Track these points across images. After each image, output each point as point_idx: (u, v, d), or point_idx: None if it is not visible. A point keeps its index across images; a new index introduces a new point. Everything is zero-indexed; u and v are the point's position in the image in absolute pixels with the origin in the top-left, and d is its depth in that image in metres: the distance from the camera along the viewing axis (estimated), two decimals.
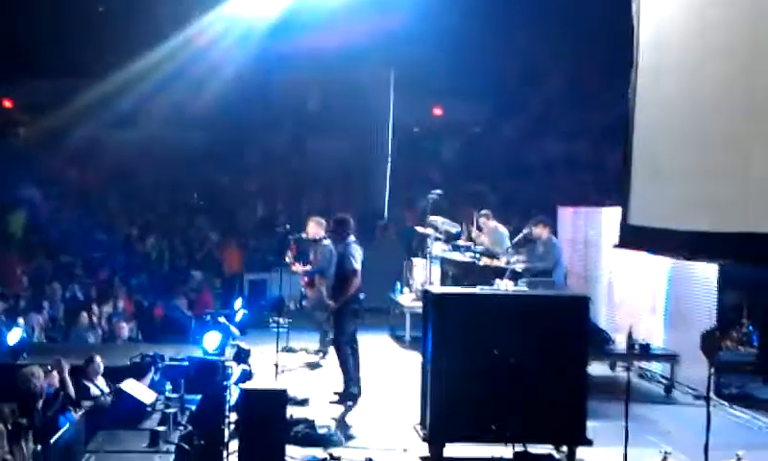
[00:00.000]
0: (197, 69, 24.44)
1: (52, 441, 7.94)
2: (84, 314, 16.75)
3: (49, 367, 10.43)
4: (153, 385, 10.72)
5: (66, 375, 10.51)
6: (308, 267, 16.39)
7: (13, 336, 12.68)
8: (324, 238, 15.66)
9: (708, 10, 10.33)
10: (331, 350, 14.86)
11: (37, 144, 25.36)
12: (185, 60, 23.91)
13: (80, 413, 9.66)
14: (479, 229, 18.11)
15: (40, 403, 9.68)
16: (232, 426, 10.73)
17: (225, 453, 10.32)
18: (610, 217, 16.03)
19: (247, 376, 12.17)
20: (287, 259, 16.72)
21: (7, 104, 29.95)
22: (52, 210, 24.18)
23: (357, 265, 13.61)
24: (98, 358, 11.19)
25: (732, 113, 9.76)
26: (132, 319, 17.48)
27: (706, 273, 14.21)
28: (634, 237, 12.12)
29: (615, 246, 13.51)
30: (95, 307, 17.41)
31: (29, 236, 23.00)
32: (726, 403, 13.67)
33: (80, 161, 26.66)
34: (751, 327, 15.81)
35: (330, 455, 10.47)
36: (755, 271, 13.91)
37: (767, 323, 15.09)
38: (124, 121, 26.07)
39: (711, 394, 10.59)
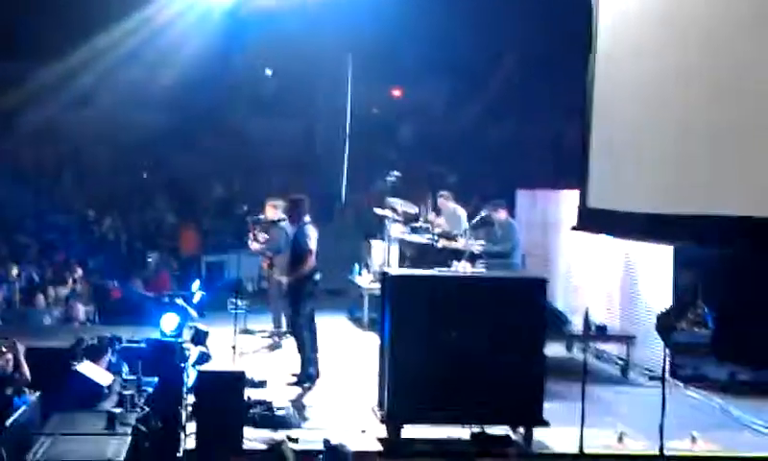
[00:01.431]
0: (154, 49, 24.24)
1: (7, 423, 7.89)
2: (41, 296, 16.63)
3: (3, 348, 10.33)
4: (110, 367, 10.67)
5: (21, 356, 10.41)
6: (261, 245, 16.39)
7: None
8: (282, 220, 15.62)
9: None
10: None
11: None
12: (143, 40, 23.70)
13: (35, 395, 9.60)
14: (437, 211, 18.13)
15: None
16: (190, 408, 10.71)
17: (182, 435, 10.29)
18: (568, 200, 16.09)
19: (204, 358, 12.14)
20: (248, 240, 16.68)
21: None
22: (6, 191, 23.93)
23: (312, 244, 13.58)
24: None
25: (686, 99, 9.81)
26: (89, 301, 17.37)
27: (661, 255, 14.30)
28: (592, 220, 12.16)
29: (573, 228, 13.56)
30: (51, 289, 17.28)
31: None
32: (681, 384, 13.79)
33: (35, 142, 26.40)
34: (706, 309, 15.95)
35: (288, 437, 10.45)
36: (710, 253, 14.03)
37: (722, 305, 15.21)
38: (80, 102, 25.81)
39: (667, 375, 10.68)
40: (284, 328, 16.32)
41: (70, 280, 18.01)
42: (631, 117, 11.17)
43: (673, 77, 10.07)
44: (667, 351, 11.07)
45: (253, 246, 16.68)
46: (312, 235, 13.65)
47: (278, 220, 15.79)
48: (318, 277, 13.77)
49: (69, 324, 15.84)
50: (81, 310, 16.08)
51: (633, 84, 11.11)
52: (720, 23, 9.28)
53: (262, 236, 16.53)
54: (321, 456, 9.05)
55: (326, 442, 9.95)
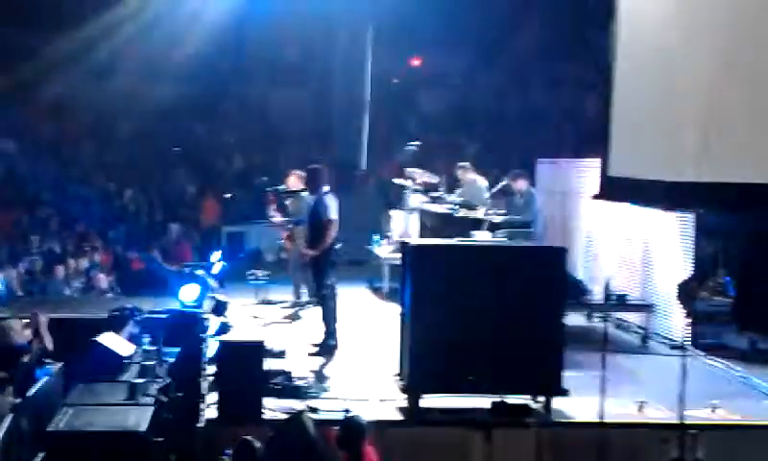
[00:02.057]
0: (173, 20, 24.20)
1: (29, 393, 7.94)
2: (61, 267, 16.71)
3: (26, 320, 10.40)
4: (131, 338, 10.72)
5: (43, 328, 10.47)
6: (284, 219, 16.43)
7: None
8: (303, 190, 15.63)
9: None
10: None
11: (9, 97, 25.06)
12: (161, 11, 23.66)
13: (57, 366, 9.66)
14: (457, 180, 18.10)
15: (22, 358, 9.66)
16: (210, 379, 10.76)
17: (202, 405, 10.34)
18: (588, 169, 16.05)
19: (224, 328, 12.20)
20: (269, 213, 16.69)
21: None
22: (28, 163, 24.00)
23: (333, 214, 13.59)
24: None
25: (706, 68, 9.77)
26: (110, 272, 17.45)
27: (682, 223, 14.25)
28: (613, 189, 12.17)
29: (595, 197, 13.54)
30: (72, 261, 17.37)
31: (4, 189, 22.85)
32: (701, 353, 13.75)
33: (54, 114, 26.45)
34: (727, 278, 15.91)
35: (308, 407, 10.48)
36: (730, 221, 14.00)
37: (742, 273, 15.16)
38: (99, 73, 25.81)
39: (687, 343, 10.66)
40: (304, 299, 16.36)
41: (91, 252, 18.09)
42: (651, 86, 11.14)
43: (694, 45, 10.03)
44: (688, 319, 11.05)
45: (276, 218, 16.71)
46: (332, 205, 13.65)
47: (299, 190, 15.81)
48: (339, 246, 13.78)
49: (90, 294, 15.92)
50: (102, 281, 16.14)
51: (654, 52, 11.08)
52: None
53: (278, 216, 16.56)
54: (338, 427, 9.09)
55: (346, 411, 10.01)
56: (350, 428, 8.94)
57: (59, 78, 24.70)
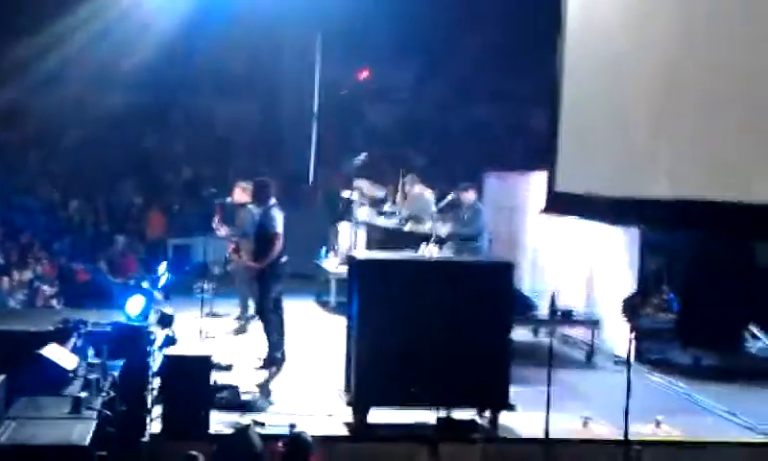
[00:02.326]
0: (121, 29, 24.05)
1: None
2: (5, 278, 16.51)
3: None
4: (75, 350, 10.61)
5: None
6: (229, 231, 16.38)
7: None
8: (250, 203, 15.59)
9: None
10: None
11: None
12: (110, 20, 23.52)
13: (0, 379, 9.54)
14: (404, 193, 18.13)
15: None
16: (155, 392, 10.67)
17: (148, 419, 10.27)
18: (535, 183, 16.13)
19: (170, 341, 12.09)
20: (213, 225, 16.62)
21: None
22: None
23: (279, 228, 13.57)
24: None
25: (653, 82, 9.86)
26: (54, 283, 17.27)
27: (627, 239, 14.37)
28: (560, 203, 12.23)
29: (542, 211, 13.61)
30: (16, 272, 17.18)
31: None
32: (646, 369, 13.87)
33: (0, 123, 26.18)
34: (671, 294, 16.05)
35: (254, 421, 10.44)
36: (675, 237, 14.13)
37: (686, 290, 15.32)
38: (46, 82, 25.59)
39: (632, 359, 10.73)
40: (251, 312, 16.29)
41: (35, 263, 17.90)
42: (598, 101, 11.22)
43: (641, 59, 10.12)
44: (632, 335, 11.14)
45: (221, 231, 16.64)
46: (278, 218, 13.63)
47: (245, 203, 15.76)
48: (284, 259, 13.75)
49: (33, 307, 15.74)
50: (46, 293, 15.97)
51: (600, 66, 11.17)
52: (693, 6, 9.32)
53: (224, 228, 16.50)
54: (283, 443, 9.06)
55: (291, 426, 9.98)
56: (297, 445, 8.91)
57: (7, 86, 24.45)
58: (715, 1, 9.08)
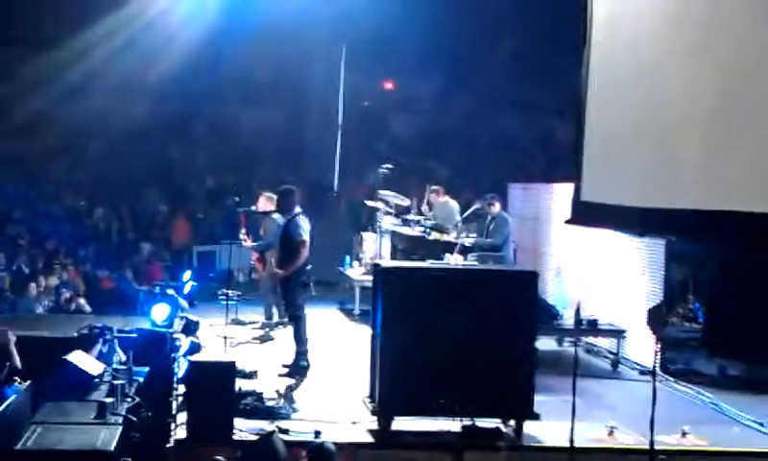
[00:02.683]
0: (147, 40, 24.17)
1: None
2: (32, 285, 16.61)
3: None
4: (101, 357, 10.66)
5: (12, 346, 10.39)
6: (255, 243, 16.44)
7: None
8: (274, 212, 15.62)
9: None
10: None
11: None
12: (135, 31, 23.63)
13: (26, 384, 9.58)
14: (429, 203, 18.14)
15: None
16: (180, 399, 10.70)
17: (172, 425, 10.29)
18: (560, 193, 16.11)
19: (195, 348, 12.12)
20: (240, 236, 16.65)
21: None
22: None
23: (305, 236, 13.58)
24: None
25: (679, 93, 9.83)
26: (80, 290, 17.36)
27: (653, 249, 14.32)
28: (586, 213, 12.19)
29: (567, 222, 13.57)
30: (42, 279, 17.27)
31: None
32: (671, 379, 13.81)
33: (26, 133, 26.31)
34: (696, 304, 16.01)
35: (278, 428, 10.44)
36: (701, 247, 14.06)
37: (712, 300, 15.24)
38: (72, 93, 25.71)
39: (657, 369, 10.69)
40: (275, 319, 16.32)
41: (61, 270, 18.00)
42: (625, 111, 11.19)
43: (667, 71, 10.09)
44: (658, 345, 11.09)
45: (246, 243, 16.68)
46: (304, 226, 13.65)
47: (270, 212, 15.80)
48: (309, 268, 13.77)
49: (60, 313, 15.82)
50: (71, 300, 16.04)
51: (627, 77, 11.14)
52: (721, 15, 9.29)
53: (249, 241, 16.54)
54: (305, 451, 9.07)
55: (316, 433, 9.99)
56: (320, 454, 8.90)
57: (33, 96, 24.61)
58: (742, 9, 9.04)
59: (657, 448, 9.85)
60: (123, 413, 8.90)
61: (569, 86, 13.37)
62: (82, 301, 16.60)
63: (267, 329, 16.21)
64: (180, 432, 10.26)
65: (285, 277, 13.71)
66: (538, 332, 11.46)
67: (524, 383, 10.82)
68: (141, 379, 10.01)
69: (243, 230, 16.69)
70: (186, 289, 16.11)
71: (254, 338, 15.84)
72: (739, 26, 8.99)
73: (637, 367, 14.37)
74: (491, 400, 10.72)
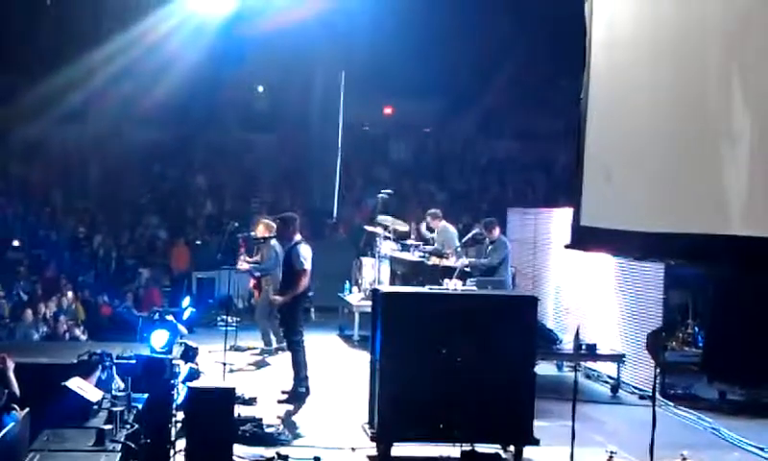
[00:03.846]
0: (146, 65, 24.24)
1: None
2: (29, 311, 16.59)
3: None
4: (99, 383, 10.63)
5: (11, 372, 10.36)
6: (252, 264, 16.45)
7: None
8: (271, 238, 15.63)
9: (661, 7, 10.38)
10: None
11: None
12: (135, 56, 23.70)
13: (24, 412, 9.56)
14: (429, 228, 18.15)
15: None
16: (179, 425, 10.68)
17: (171, 452, 10.26)
18: (559, 218, 16.12)
19: (194, 374, 12.11)
20: (239, 261, 16.66)
21: None
22: None
23: (307, 265, 13.58)
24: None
25: (678, 117, 9.84)
26: (79, 317, 17.35)
27: (653, 274, 14.32)
28: (585, 238, 12.17)
29: (567, 246, 13.57)
30: (41, 305, 17.26)
31: None
32: (671, 404, 13.79)
33: (25, 158, 26.37)
34: (696, 329, 15.99)
35: (278, 454, 10.44)
36: (700, 272, 14.06)
37: (711, 325, 15.23)
38: (71, 118, 25.76)
39: (657, 394, 10.68)
40: (274, 345, 16.31)
41: (60, 297, 17.99)
42: (624, 135, 11.19)
43: (666, 94, 10.11)
44: (657, 370, 11.08)
45: (242, 266, 16.69)
46: (307, 255, 13.63)
47: (267, 238, 15.80)
48: (310, 294, 13.77)
49: (58, 340, 15.80)
50: (70, 326, 16.03)
51: (626, 101, 11.15)
52: (710, 35, 9.31)
53: (245, 262, 16.55)
54: None
55: (316, 459, 9.97)
56: None
57: (30, 122, 24.66)
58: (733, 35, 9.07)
59: None
60: (122, 440, 8.86)
61: (569, 111, 13.40)
62: (78, 331, 16.59)
63: (265, 355, 16.19)
64: (179, 459, 10.25)
65: (285, 303, 13.70)
66: (537, 357, 11.46)
67: (524, 408, 10.81)
68: (140, 406, 9.96)
69: (242, 257, 16.72)
70: (185, 315, 16.08)
71: (253, 364, 15.82)
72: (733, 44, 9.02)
73: (637, 392, 14.35)
74: (490, 425, 10.72)
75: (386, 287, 15.03)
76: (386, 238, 18.14)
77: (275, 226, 15.46)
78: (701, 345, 15.50)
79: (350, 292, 18.90)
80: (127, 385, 10.05)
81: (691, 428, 12.97)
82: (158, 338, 11.50)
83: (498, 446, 10.92)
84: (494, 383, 10.65)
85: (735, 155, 8.80)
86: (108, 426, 8.94)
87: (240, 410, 11.46)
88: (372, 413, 11.10)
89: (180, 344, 12.86)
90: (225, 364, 13.53)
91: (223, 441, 10.18)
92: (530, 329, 11.20)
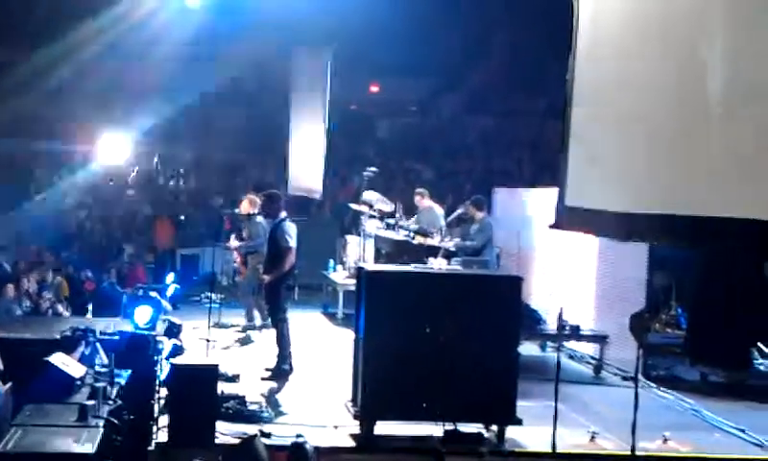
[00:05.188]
0: (131, 42, 24.12)
1: None
2: (11, 286, 16.53)
3: None
4: (83, 359, 10.61)
5: None
6: (241, 243, 16.45)
7: None
8: (257, 214, 15.60)
9: None
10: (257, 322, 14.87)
11: None
12: (118, 35, 23.56)
13: (7, 386, 9.53)
14: (414, 207, 18.13)
15: None
16: (162, 402, 10.67)
17: (154, 428, 10.27)
18: (545, 197, 16.11)
19: (178, 351, 12.09)
20: (230, 240, 16.66)
21: None
22: None
23: (292, 242, 13.58)
24: None
25: (659, 99, 9.84)
26: (63, 292, 17.30)
27: (636, 255, 14.34)
28: (570, 218, 12.16)
29: (551, 226, 13.57)
30: (24, 280, 17.20)
31: None
32: (653, 385, 13.84)
33: (9, 133, 26.24)
34: (679, 310, 16.02)
35: (261, 431, 10.43)
36: (684, 253, 14.08)
37: (694, 306, 15.26)
38: (58, 93, 25.66)
39: (639, 375, 10.72)
40: (257, 323, 16.30)
41: (43, 272, 17.93)
42: (608, 117, 11.19)
43: (652, 76, 10.10)
44: (640, 351, 11.11)
45: (233, 243, 16.69)
46: (291, 232, 13.63)
47: (253, 214, 15.78)
48: (296, 272, 13.77)
49: (41, 315, 15.76)
50: (53, 301, 15.98)
51: (612, 83, 11.14)
52: (701, 24, 9.30)
53: (234, 240, 16.55)
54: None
55: (298, 436, 9.96)
56: (298, 455, 8.91)
57: (14, 97, 24.53)
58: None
59: (638, 453, 9.91)
60: (104, 416, 8.85)
61: (555, 90, 13.38)
62: (60, 308, 16.54)
63: (249, 333, 16.18)
64: (161, 435, 10.25)
65: (271, 281, 13.69)
66: (521, 337, 11.47)
67: (507, 388, 10.83)
68: (123, 382, 9.96)
69: (232, 236, 16.73)
70: (169, 292, 16.07)
71: (237, 341, 15.82)
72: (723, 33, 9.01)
73: (620, 372, 14.39)
74: (473, 404, 10.72)
75: (370, 265, 15.02)
76: (371, 217, 18.12)
77: (259, 201, 15.44)
78: (684, 327, 15.53)
79: (335, 270, 18.89)
80: (110, 361, 10.05)
81: (673, 410, 13.02)
82: (142, 314, 11.47)
83: (481, 425, 10.93)
84: (478, 363, 10.65)
85: (721, 137, 8.81)
86: (91, 402, 8.93)
87: (223, 387, 11.46)
88: (356, 391, 11.10)
89: (164, 320, 12.84)
90: (208, 341, 13.52)
91: (206, 418, 10.19)
92: (514, 310, 11.20)
